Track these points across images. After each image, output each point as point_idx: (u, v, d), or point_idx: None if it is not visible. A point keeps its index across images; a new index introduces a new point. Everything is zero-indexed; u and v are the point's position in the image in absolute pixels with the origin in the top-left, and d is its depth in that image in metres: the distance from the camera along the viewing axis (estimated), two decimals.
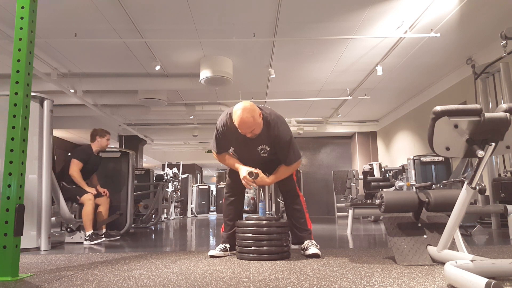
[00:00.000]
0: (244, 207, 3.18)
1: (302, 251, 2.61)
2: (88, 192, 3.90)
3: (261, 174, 2.55)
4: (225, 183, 2.97)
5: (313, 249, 2.48)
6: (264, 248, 2.35)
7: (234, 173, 2.69)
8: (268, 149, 2.55)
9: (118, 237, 4.19)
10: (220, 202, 13.36)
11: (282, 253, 2.40)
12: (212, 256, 2.56)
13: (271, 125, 2.48)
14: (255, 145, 2.55)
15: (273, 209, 6.39)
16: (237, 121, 2.36)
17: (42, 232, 3.20)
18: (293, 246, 2.72)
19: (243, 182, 2.55)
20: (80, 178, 3.97)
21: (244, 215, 2.75)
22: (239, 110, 2.35)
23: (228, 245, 2.67)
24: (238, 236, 2.48)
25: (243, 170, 2.54)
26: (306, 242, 2.60)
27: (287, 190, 2.72)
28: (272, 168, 2.65)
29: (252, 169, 2.52)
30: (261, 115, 2.45)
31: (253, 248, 2.37)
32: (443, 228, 1.95)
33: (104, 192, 4.15)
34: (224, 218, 2.78)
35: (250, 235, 2.39)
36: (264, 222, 2.41)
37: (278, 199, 6.41)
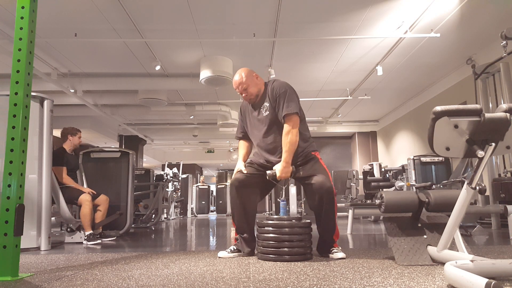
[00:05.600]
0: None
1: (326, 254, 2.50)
2: (84, 193, 3.89)
3: (276, 165, 2.45)
4: None
5: (341, 254, 2.40)
6: (286, 249, 2.27)
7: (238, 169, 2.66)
8: (268, 104, 2.57)
9: (114, 238, 4.19)
10: (220, 202, 13.37)
11: (304, 255, 2.30)
12: (220, 258, 2.48)
13: (270, 83, 2.63)
14: (259, 107, 2.63)
15: (273, 209, 6.38)
16: (233, 82, 2.63)
17: (42, 232, 3.20)
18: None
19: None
20: (72, 181, 3.96)
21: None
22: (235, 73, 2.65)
23: (239, 248, 2.57)
24: (258, 236, 2.42)
25: (239, 164, 2.67)
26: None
27: (320, 182, 2.39)
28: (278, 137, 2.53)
29: (269, 171, 2.46)
30: (258, 77, 2.64)
31: (273, 249, 2.29)
32: (443, 228, 1.94)
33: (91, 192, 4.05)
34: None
35: (271, 235, 2.31)
36: (286, 222, 2.32)
37: (278, 199, 6.39)
